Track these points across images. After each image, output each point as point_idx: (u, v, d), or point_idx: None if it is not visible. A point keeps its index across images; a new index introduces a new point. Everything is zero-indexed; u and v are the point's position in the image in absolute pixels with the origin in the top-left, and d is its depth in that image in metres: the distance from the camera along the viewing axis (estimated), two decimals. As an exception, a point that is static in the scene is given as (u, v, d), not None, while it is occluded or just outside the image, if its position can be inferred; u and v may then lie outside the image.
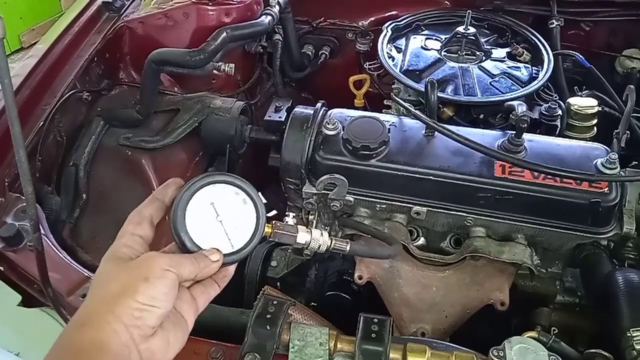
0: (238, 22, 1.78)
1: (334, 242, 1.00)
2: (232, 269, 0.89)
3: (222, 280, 0.88)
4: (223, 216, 0.86)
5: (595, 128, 1.56)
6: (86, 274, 1.21)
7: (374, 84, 2.04)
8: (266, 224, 0.90)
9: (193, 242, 0.84)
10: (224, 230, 0.86)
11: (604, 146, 1.39)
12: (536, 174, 1.30)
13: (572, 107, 1.55)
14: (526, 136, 1.37)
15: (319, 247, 0.99)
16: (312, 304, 1.50)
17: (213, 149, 1.74)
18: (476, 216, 1.34)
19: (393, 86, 1.74)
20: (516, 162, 1.29)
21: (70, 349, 0.74)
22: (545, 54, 1.77)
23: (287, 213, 1.00)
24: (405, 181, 1.35)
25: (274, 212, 2.24)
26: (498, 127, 1.58)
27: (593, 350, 1.08)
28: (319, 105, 1.50)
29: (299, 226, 0.98)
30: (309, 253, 1.40)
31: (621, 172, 1.30)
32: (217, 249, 0.85)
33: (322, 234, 0.99)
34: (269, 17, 1.83)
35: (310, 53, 2.19)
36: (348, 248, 1.03)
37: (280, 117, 1.62)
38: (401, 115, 1.54)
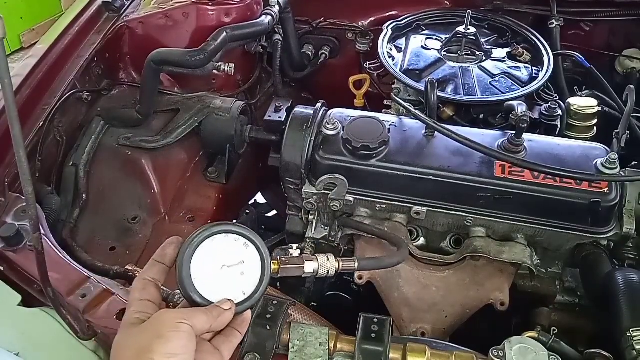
0: (238, 22, 1.78)
1: (341, 263, 1.00)
2: (248, 314, 0.90)
3: (242, 327, 0.89)
4: (228, 266, 0.87)
5: (595, 128, 1.56)
6: (86, 274, 1.21)
7: (374, 84, 2.04)
8: (272, 262, 0.91)
9: (204, 298, 0.85)
10: (232, 279, 0.87)
11: (604, 146, 1.39)
12: (536, 174, 1.30)
13: (572, 107, 1.55)
14: (526, 136, 1.37)
15: (328, 272, 0.99)
16: (312, 304, 1.50)
17: (213, 149, 1.74)
18: (476, 216, 1.34)
19: (393, 86, 1.74)
20: (516, 162, 1.29)
21: None
22: (545, 54, 1.77)
23: (289, 245, 1.00)
24: (405, 181, 1.35)
25: (274, 212, 2.24)
26: (498, 127, 1.58)
27: (593, 350, 1.08)
28: (319, 105, 1.50)
29: (304, 256, 0.98)
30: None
31: (621, 172, 1.30)
32: (229, 299, 0.85)
33: (328, 258, 0.99)
34: (269, 17, 1.83)
35: (310, 53, 2.19)
36: (356, 265, 1.03)
37: (280, 117, 1.62)
38: (401, 115, 1.54)
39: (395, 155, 1.37)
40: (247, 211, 1.88)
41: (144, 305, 0.83)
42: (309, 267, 0.97)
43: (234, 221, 1.84)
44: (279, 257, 0.95)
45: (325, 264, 0.98)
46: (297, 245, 1.01)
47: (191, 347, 0.77)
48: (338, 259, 1.00)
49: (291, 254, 0.98)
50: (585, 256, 1.31)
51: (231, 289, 0.87)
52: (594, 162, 1.32)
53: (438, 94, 1.49)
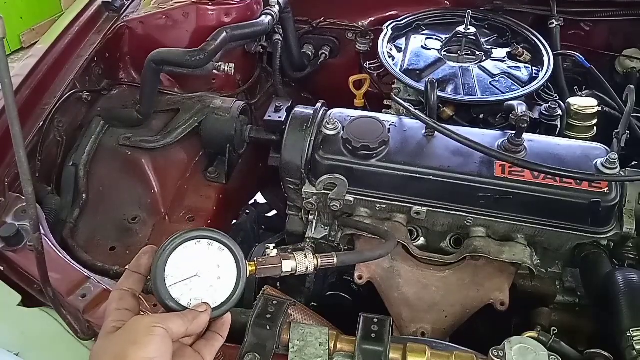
0: (238, 22, 1.78)
1: (319, 260, 1.00)
2: (228, 316, 0.90)
3: (222, 330, 0.89)
4: (203, 271, 0.87)
5: (595, 128, 1.56)
6: (86, 274, 1.21)
7: (374, 84, 2.04)
8: (248, 263, 0.91)
9: (180, 305, 0.85)
10: (208, 284, 0.87)
11: (604, 146, 1.39)
12: (536, 174, 1.30)
13: (572, 107, 1.55)
14: (526, 136, 1.37)
15: (306, 269, 0.99)
16: (312, 304, 1.50)
17: (213, 149, 1.74)
18: (476, 216, 1.34)
19: (393, 86, 1.74)
20: (516, 162, 1.29)
21: None
22: (545, 54, 1.77)
23: (266, 246, 1.01)
24: (405, 181, 1.35)
25: (274, 212, 2.24)
26: (498, 127, 1.58)
27: (593, 350, 1.08)
28: (319, 105, 1.50)
29: (281, 255, 0.98)
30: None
31: (621, 172, 1.30)
32: (205, 302, 0.86)
33: (305, 256, 0.99)
34: (269, 17, 1.83)
35: (310, 53, 2.19)
36: (335, 261, 1.02)
37: (280, 117, 1.62)
38: (401, 115, 1.54)
39: (395, 155, 1.37)
40: (247, 211, 1.88)
41: (121, 314, 0.83)
42: (287, 265, 0.97)
43: (234, 222, 1.84)
44: (255, 258, 0.95)
45: (303, 262, 0.98)
46: (273, 245, 1.00)
47: (166, 350, 0.78)
48: (316, 255, 1.00)
49: (268, 254, 0.98)
50: (585, 256, 1.31)
51: (208, 294, 0.87)
52: (594, 162, 1.32)
53: (438, 94, 1.49)
